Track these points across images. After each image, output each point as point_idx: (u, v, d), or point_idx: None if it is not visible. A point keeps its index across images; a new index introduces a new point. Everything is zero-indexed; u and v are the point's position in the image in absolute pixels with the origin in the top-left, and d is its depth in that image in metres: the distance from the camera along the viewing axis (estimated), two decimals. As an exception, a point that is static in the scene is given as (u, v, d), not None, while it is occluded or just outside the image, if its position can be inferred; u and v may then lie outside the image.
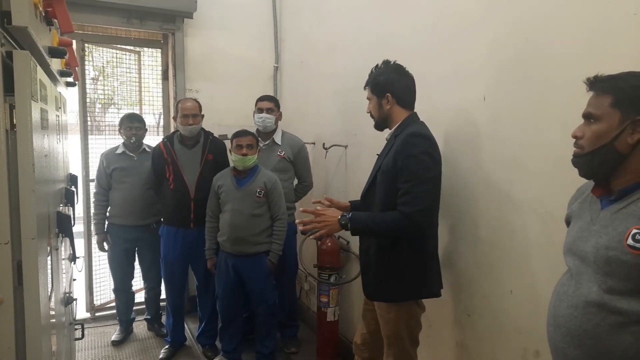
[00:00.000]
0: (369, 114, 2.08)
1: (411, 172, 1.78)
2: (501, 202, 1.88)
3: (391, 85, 1.95)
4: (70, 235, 1.77)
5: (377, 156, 2.09)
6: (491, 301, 1.94)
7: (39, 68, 1.21)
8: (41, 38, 1.26)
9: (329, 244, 3.04)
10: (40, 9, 1.22)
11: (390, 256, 1.91)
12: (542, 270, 1.69)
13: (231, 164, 2.94)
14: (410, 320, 1.96)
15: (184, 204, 3.03)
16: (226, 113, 3.86)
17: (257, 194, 2.81)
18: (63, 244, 1.92)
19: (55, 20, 1.45)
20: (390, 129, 2.01)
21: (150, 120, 4.28)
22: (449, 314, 2.17)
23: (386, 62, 2.00)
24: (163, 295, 3.41)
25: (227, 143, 3.11)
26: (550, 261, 1.62)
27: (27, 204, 1.05)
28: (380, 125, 2.05)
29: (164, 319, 3.51)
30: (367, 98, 2.06)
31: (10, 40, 1.08)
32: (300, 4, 3.79)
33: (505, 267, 1.87)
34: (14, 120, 1.03)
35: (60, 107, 1.92)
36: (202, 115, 3.11)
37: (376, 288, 1.98)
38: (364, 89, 2.07)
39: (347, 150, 3.11)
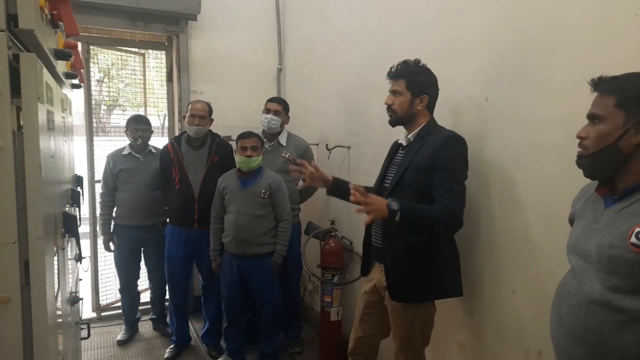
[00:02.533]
0: (386, 106, 1.99)
1: (451, 171, 1.82)
2: (504, 202, 1.88)
3: (429, 88, 1.95)
4: (76, 236, 1.79)
5: (384, 157, 2.09)
6: (494, 301, 1.94)
7: (45, 70, 1.23)
8: (47, 40, 1.28)
9: (332, 244, 3.05)
10: (46, 12, 1.24)
11: (426, 255, 1.90)
12: (545, 270, 1.69)
13: (236, 165, 2.96)
14: (426, 322, 1.97)
15: (188, 205, 3.05)
16: (229, 114, 3.88)
17: (262, 195, 2.83)
18: (69, 244, 1.94)
19: (61, 23, 1.47)
20: (406, 129, 2.00)
21: (154, 121, 4.31)
22: (452, 314, 2.17)
23: (422, 64, 1.96)
24: (168, 295, 3.43)
25: (233, 144, 3.12)
26: (553, 261, 1.62)
27: (34, 204, 1.06)
28: (397, 122, 1.99)
29: (169, 318, 3.53)
30: (393, 90, 1.97)
31: (17, 43, 1.10)
32: (304, 6, 3.80)
33: (508, 268, 1.87)
34: (21, 122, 1.04)
35: (66, 109, 1.94)
36: (212, 120, 3.13)
37: (407, 288, 1.92)
38: (390, 79, 1.98)
39: (350, 151, 3.11)
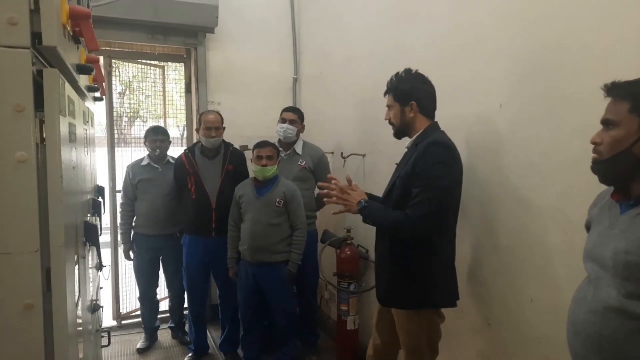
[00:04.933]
0: (387, 121, 2.07)
1: (424, 177, 1.80)
2: (520, 208, 1.86)
3: (416, 93, 1.96)
4: (96, 244, 1.83)
5: (396, 165, 2.10)
6: (511, 310, 1.92)
7: (67, 84, 1.27)
8: (69, 56, 1.33)
9: (348, 252, 3.05)
10: (68, 29, 1.29)
11: (402, 261, 1.91)
12: (563, 277, 1.67)
13: (251, 174, 2.99)
14: (431, 331, 1.95)
15: (206, 214, 3.09)
16: (246, 124, 3.93)
17: (277, 204, 2.85)
18: (90, 253, 1.98)
19: (82, 39, 1.52)
20: (410, 137, 2.01)
21: (174, 132, 4.40)
22: (469, 323, 2.15)
23: (408, 71, 2.00)
24: (186, 304, 3.47)
25: (248, 153, 3.17)
26: (571, 268, 1.60)
27: (55, 214, 1.10)
28: (400, 133, 2.05)
29: (187, 327, 3.56)
30: (387, 105, 2.05)
31: (41, 59, 1.14)
32: (319, 17, 3.85)
33: (525, 275, 1.84)
34: (44, 134, 1.09)
35: (87, 121, 2.00)
36: (224, 128, 3.19)
37: (387, 292, 1.99)
38: (384, 95, 2.07)
39: (365, 159, 3.12)
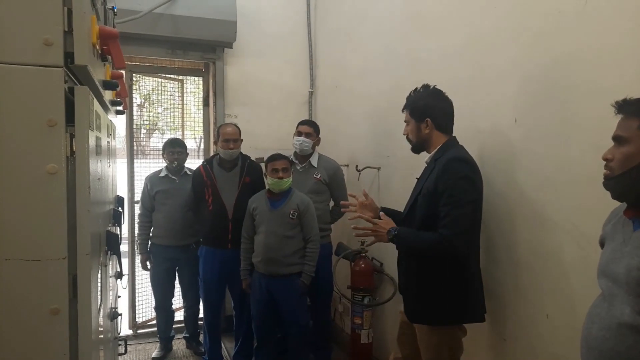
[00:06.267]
0: (405, 136, 2.10)
1: (450, 195, 1.80)
2: (535, 223, 1.86)
3: (430, 110, 1.98)
4: (117, 253, 1.89)
5: (416, 179, 2.11)
6: (527, 325, 1.91)
7: (95, 100, 1.34)
8: (97, 73, 1.40)
9: (362, 265, 3.06)
10: (97, 48, 1.36)
11: (431, 278, 1.91)
12: (579, 293, 1.66)
13: (266, 187, 3.04)
14: (453, 346, 1.94)
15: (222, 225, 3.14)
16: (263, 137, 4.00)
17: (291, 216, 2.88)
18: (110, 262, 2.04)
19: (109, 56, 1.60)
20: (428, 152, 2.03)
21: (191, 144, 4.49)
22: (484, 338, 2.14)
23: (425, 87, 2.04)
24: (201, 314, 3.50)
25: (264, 166, 3.22)
26: (587, 284, 1.59)
27: (83, 223, 1.16)
28: (417, 149, 2.07)
29: (201, 337, 3.59)
30: (405, 121, 2.09)
31: (72, 77, 1.21)
32: (334, 31, 3.92)
33: (541, 291, 1.84)
34: (74, 148, 1.15)
35: (110, 134, 2.08)
36: (242, 140, 3.25)
37: (416, 310, 1.97)
38: (402, 111, 2.10)
39: (379, 172, 3.15)
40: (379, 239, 1.99)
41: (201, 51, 3.93)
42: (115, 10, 2.12)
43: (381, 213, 2.07)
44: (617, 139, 1.17)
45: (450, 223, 1.78)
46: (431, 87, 2.03)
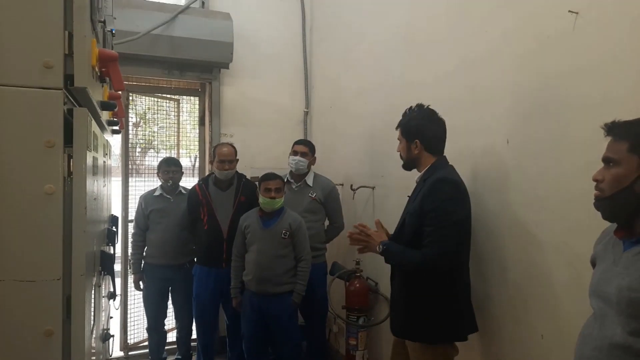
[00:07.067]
0: (399, 153, 2.15)
1: (435, 216, 1.85)
2: (528, 243, 1.87)
3: (421, 132, 2.03)
4: (111, 273, 1.88)
5: (407, 197, 2.14)
6: (521, 346, 1.90)
7: (93, 121, 1.35)
8: (95, 94, 1.42)
9: (357, 285, 3.05)
10: (96, 70, 1.38)
11: (416, 295, 1.93)
12: (574, 314, 1.66)
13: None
14: None
15: (217, 244, 3.13)
16: (258, 156, 4.02)
17: (283, 235, 2.88)
18: (104, 282, 2.03)
19: (107, 78, 1.62)
20: (419, 171, 2.08)
21: (186, 162, 4.49)
22: (480, 358, 2.13)
23: (420, 106, 2.08)
24: (194, 335, 3.46)
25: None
26: (581, 305, 1.59)
27: (79, 243, 1.16)
28: (408, 166, 2.13)
29: (194, 359, 3.54)
30: (398, 138, 2.14)
31: (71, 99, 1.23)
32: (330, 52, 3.98)
33: (535, 311, 1.84)
34: (71, 168, 1.16)
35: (106, 153, 2.09)
36: (237, 160, 3.26)
37: (401, 325, 2.01)
38: (396, 129, 2.15)
39: (374, 192, 3.17)
40: (370, 249, 2.05)
41: (198, 71, 3.97)
42: (113, 32, 2.15)
43: (376, 222, 2.12)
44: (606, 160, 1.20)
45: (433, 243, 1.83)
46: (425, 107, 2.07)
